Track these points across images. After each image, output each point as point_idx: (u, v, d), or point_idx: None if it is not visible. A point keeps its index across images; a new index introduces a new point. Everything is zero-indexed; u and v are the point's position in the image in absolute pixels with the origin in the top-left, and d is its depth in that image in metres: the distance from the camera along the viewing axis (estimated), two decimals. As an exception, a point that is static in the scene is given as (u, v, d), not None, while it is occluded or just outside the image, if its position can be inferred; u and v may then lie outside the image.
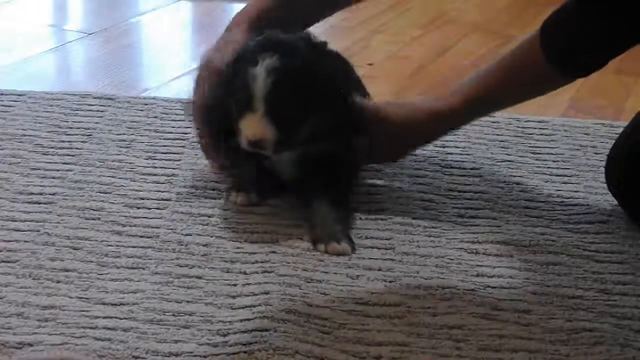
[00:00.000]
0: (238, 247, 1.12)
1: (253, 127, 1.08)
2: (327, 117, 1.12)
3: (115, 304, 0.99)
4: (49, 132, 1.43)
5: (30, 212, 1.18)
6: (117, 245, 1.11)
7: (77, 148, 1.37)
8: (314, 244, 1.12)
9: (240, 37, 1.21)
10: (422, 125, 1.22)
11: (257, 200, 1.21)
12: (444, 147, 1.42)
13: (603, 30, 1.11)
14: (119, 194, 1.24)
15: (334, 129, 1.13)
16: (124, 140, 1.40)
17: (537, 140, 1.47)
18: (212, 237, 1.14)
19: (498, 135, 1.48)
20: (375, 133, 1.20)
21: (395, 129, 1.21)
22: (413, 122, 1.22)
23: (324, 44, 1.17)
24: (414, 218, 1.21)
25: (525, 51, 1.17)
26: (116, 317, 0.97)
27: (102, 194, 1.23)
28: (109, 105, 1.53)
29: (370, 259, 1.10)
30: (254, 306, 0.99)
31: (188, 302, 1.00)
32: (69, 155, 1.35)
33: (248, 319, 0.97)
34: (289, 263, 1.08)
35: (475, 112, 1.24)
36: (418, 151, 1.40)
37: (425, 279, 1.07)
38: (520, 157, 1.41)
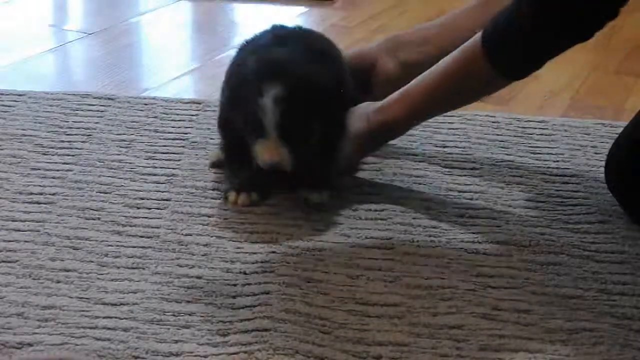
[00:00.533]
0: (238, 247, 1.12)
1: (269, 152, 1.13)
2: (331, 122, 1.17)
3: (115, 304, 0.99)
4: (49, 132, 1.43)
5: (30, 212, 1.18)
6: (117, 245, 1.11)
7: (77, 148, 1.37)
8: (295, 191, 1.20)
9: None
10: (371, 137, 1.25)
11: (258, 199, 1.22)
12: (444, 147, 1.42)
13: (538, 39, 1.12)
14: (119, 194, 1.24)
15: (337, 127, 1.20)
16: (124, 140, 1.40)
17: (537, 140, 1.47)
18: (212, 237, 1.14)
19: (498, 135, 1.48)
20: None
21: (354, 134, 1.24)
22: (363, 134, 1.24)
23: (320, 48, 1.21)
24: (414, 218, 1.21)
25: (469, 57, 1.17)
26: (116, 317, 0.97)
27: (102, 194, 1.23)
28: (109, 105, 1.53)
29: (370, 259, 1.10)
30: (254, 306, 0.99)
31: (188, 302, 1.00)
32: (69, 155, 1.35)
33: (248, 319, 0.97)
34: (289, 263, 1.08)
35: (416, 123, 1.28)
36: (418, 151, 1.40)
37: (425, 279, 1.07)
38: (520, 157, 1.41)
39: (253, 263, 1.08)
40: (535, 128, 1.51)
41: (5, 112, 1.49)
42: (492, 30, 1.14)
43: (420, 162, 1.37)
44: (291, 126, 1.12)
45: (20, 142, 1.39)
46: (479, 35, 1.15)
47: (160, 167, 1.32)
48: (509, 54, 1.14)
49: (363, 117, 1.24)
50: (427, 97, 1.20)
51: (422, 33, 1.37)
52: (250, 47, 1.23)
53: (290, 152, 1.13)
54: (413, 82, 1.22)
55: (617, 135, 1.29)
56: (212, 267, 1.07)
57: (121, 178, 1.28)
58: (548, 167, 1.37)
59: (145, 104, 1.54)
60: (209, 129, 1.44)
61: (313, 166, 1.19)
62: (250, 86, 1.12)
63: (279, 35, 1.22)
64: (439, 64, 1.20)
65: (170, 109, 1.52)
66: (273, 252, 1.11)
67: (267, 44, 1.21)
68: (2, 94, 1.55)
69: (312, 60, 1.16)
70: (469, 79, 1.17)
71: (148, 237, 1.13)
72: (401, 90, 1.23)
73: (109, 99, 1.56)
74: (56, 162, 1.32)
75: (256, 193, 1.22)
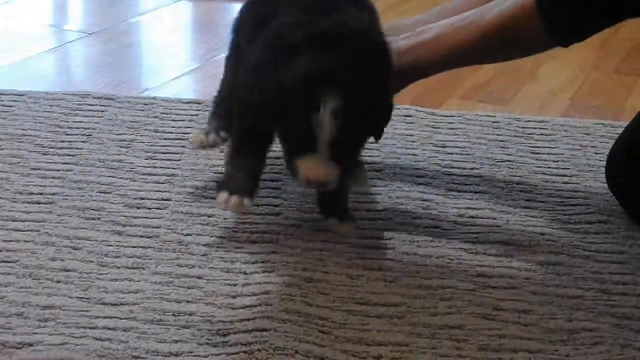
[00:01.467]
0: (238, 247, 1.12)
1: (316, 170, 1.01)
2: (377, 129, 1.07)
3: (115, 304, 0.99)
4: (49, 132, 1.43)
5: (30, 212, 1.18)
6: (117, 245, 1.11)
7: (77, 148, 1.37)
8: (325, 217, 1.13)
9: None
10: (399, 76, 1.17)
11: (250, 204, 1.09)
12: (444, 147, 1.42)
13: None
14: (119, 194, 1.24)
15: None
16: (124, 140, 1.40)
17: (537, 140, 1.47)
18: (212, 237, 1.14)
19: (498, 135, 1.48)
20: None
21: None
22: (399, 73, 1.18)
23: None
24: (414, 218, 1.21)
25: (519, 11, 1.14)
26: (116, 317, 0.97)
27: (102, 194, 1.23)
28: (109, 105, 1.53)
29: (370, 259, 1.10)
30: (254, 306, 0.99)
31: (188, 302, 1.00)
32: (69, 155, 1.35)
33: (248, 319, 0.97)
34: (289, 263, 1.08)
35: (448, 69, 1.25)
36: (418, 151, 1.40)
37: (425, 279, 1.07)
38: (520, 157, 1.41)
39: (253, 263, 1.08)
40: (535, 128, 1.51)
41: (5, 112, 1.49)
42: None
43: (420, 162, 1.37)
44: (346, 144, 1.00)
45: (20, 142, 1.39)
46: None
47: (160, 167, 1.32)
48: (566, 11, 1.11)
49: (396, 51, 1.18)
50: (467, 45, 1.17)
51: (421, 22, 1.36)
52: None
53: (339, 172, 1.01)
54: (447, 24, 1.19)
55: (617, 135, 1.29)
56: (212, 267, 1.07)
57: (121, 178, 1.28)
58: (548, 167, 1.37)
59: (145, 104, 1.54)
60: (209, 129, 1.44)
61: (343, 187, 1.11)
62: (299, 96, 0.98)
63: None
64: (481, 12, 1.17)
65: (170, 109, 1.52)
66: (273, 252, 1.11)
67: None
68: (2, 94, 1.55)
69: (369, 61, 1.03)
70: (517, 34, 1.15)
71: (148, 237, 1.13)
72: (434, 31, 1.19)
73: (109, 99, 1.56)
74: (56, 162, 1.32)
75: (249, 198, 1.09)
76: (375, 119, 1.04)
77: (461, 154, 1.40)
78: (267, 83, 1.02)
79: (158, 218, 1.18)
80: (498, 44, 1.17)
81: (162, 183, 1.28)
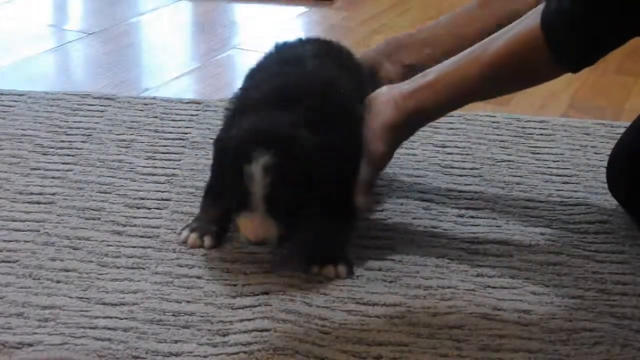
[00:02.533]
0: (238, 247, 1.12)
1: (254, 228, 1.01)
2: (329, 194, 1.04)
3: (115, 304, 0.99)
4: (49, 132, 1.43)
5: (30, 212, 1.18)
6: (117, 245, 1.11)
7: (77, 148, 1.37)
8: (308, 265, 1.07)
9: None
10: (404, 125, 1.15)
11: (211, 244, 1.11)
12: (444, 147, 1.42)
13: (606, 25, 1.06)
14: (119, 194, 1.24)
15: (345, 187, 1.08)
16: (124, 140, 1.40)
17: (537, 140, 1.47)
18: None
19: (498, 135, 1.48)
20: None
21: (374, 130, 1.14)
22: (395, 122, 1.14)
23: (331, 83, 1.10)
24: (414, 218, 1.21)
25: (525, 39, 1.09)
26: (116, 317, 0.97)
27: (102, 194, 1.23)
28: (109, 105, 1.53)
29: (370, 259, 1.10)
30: (254, 306, 0.99)
31: (188, 302, 1.00)
32: (69, 155, 1.35)
33: (248, 319, 0.97)
34: (289, 263, 1.08)
35: (455, 108, 1.18)
36: (418, 151, 1.40)
37: (425, 279, 1.07)
38: (520, 157, 1.41)
39: (253, 263, 1.08)
40: (535, 128, 1.50)
41: (5, 112, 1.49)
42: (553, 9, 1.05)
43: (420, 162, 1.37)
44: (280, 200, 1.00)
45: (20, 142, 1.39)
46: (536, 15, 1.07)
47: (160, 167, 1.32)
48: (574, 38, 1.05)
49: (390, 103, 1.14)
50: (472, 81, 1.11)
51: (423, 35, 1.33)
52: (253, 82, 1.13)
53: (278, 230, 1.01)
54: (449, 63, 1.14)
55: (617, 135, 1.29)
56: (212, 267, 1.07)
57: (121, 178, 1.28)
58: (548, 167, 1.37)
59: (145, 104, 1.54)
60: (209, 129, 1.44)
61: (321, 236, 1.08)
62: (240, 153, 1.00)
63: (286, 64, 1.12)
64: (484, 45, 1.12)
65: (170, 109, 1.52)
66: (273, 252, 1.11)
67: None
68: (2, 94, 1.55)
69: (317, 121, 1.03)
70: (524, 64, 1.09)
71: (148, 237, 1.13)
72: (435, 72, 1.14)
73: (109, 99, 1.56)
74: (56, 162, 1.32)
75: (211, 238, 1.10)
76: (320, 174, 1.02)
77: (461, 154, 1.40)
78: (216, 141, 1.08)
79: (158, 218, 1.18)
80: (504, 76, 1.11)
81: (162, 183, 1.28)
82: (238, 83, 1.20)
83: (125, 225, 1.16)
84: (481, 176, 1.33)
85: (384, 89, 1.17)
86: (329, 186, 1.03)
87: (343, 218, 1.09)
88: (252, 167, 0.99)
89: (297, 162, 1.00)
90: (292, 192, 1.01)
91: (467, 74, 1.11)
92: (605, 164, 1.27)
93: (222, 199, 1.11)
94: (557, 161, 1.40)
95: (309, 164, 1.01)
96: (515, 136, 1.48)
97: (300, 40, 1.23)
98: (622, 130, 1.29)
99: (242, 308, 0.99)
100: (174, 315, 0.98)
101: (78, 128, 1.44)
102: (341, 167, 1.05)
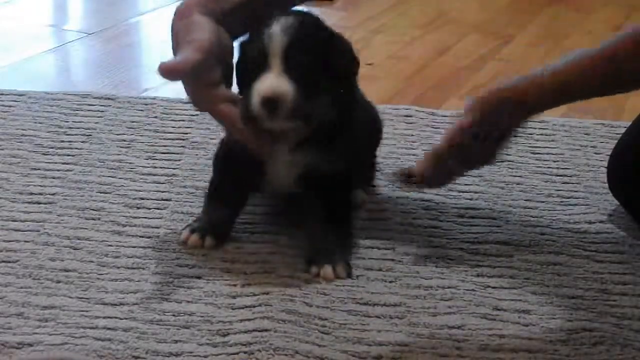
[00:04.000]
0: (238, 247, 1.12)
1: (269, 83, 0.98)
2: (344, 90, 1.04)
3: (115, 304, 0.99)
4: (49, 132, 1.43)
5: (30, 212, 1.18)
6: (117, 245, 1.11)
7: (77, 148, 1.37)
8: (308, 265, 1.07)
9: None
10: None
11: (212, 244, 1.10)
12: (444, 147, 1.42)
13: None
14: (119, 194, 1.24)
15: (345, 113, 1.06)
16: (124, 140, 1.40)
17: (537, 140, 1.47)
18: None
19: (498, 135, 1.47)
20: None
21: None
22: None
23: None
24: (414, 218, 1.21)
25: (630, 40, 1.09)
26: (116, 317, 0.97)
27: (102, 194, 1.23)
28: (109, 105, 1.53)
29: (370, 259, 1.10)
30: (254, 306, 0.99)
31: (188, 302, 1.00)
32: (69, 155, 1.35)
33: (248, 319, 0.97)
34: (289, 263, 1.08)
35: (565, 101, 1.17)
36: (418, 151, 1.40)
37: (425, 279, 1.07)
38: (520, 157, 1.41)
39: (253, 263, 1.08)
40: (535, 128, 1.50)
41: (5, 112, 1.49)
42: None
43: (420, 162, 1.37)
44: (299, 58, 0.99)
45: (20, 142, 1.39)
46: None
47: (160, 167, 1.32)
48: None
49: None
50: (580, 76, 1.10)
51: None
52: None
53: (295, 91, 0.98)
54: (560, 62, 1.12)
55: (617, 135, 1.29)
56: (212, 267, 1.07)
57: (121, 178, 1.28)
58: (548, 167, 1.37)
59: (145, 104, 1.54)
60: (208, 129, 1.44)
61: (320, 193, 1.08)
62: (260, 30, 1.01)
63: None
64: (592, 49, 1.10)
65: (170, 109, 1.52)
66: (273, 252, 1.11)
67: None
68: (2, 94, 1.55)
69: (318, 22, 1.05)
70: (627, 64, 1.08)
71: (148, 237, 1.13)
72: (546, 70, 1.12)
73: (109, 99, 1.56)
74: (56, 162, 1.32)
75: (212, 238, 1.10)
76: (335, 56, 1.02)
77: (461, 154, 1.40)
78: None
79: (158, 218, 1.18)
80: (610, 73, 1.09)
81: (162, 183, 1.28)
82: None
83: (125, 225, 1.16)
84: (481, 176, 1.33)
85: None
86: (344, 77, 1.04)
87: (342, 219, 1.09)
88: (272, 28, 1.00)
89: (315, 26, 1.03)
90: (309, 53, 1.00)
91: (576, 71, 1.10)
92: (605, 164, 1.27)
93: (224, 199, 1.12)
94: (557, 161, 1.40)
95: (327, 32, 1.04)
96: (515, 136, 1.47)
97: None
98: (622, 130, 1.29)
99: (242, 308, 0.99)
100: (174, 315, 0.98)
101: (78, 128, 1.44)
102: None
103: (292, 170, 1.07)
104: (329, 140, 1.06)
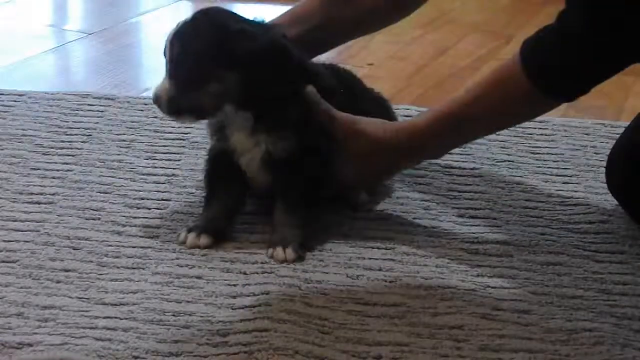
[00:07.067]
0: (238, 247, 1.12)
1: (155, 87, 1.10)
2: (239, 79, 1.08)
3: (115, 304, 0.99)
4: (49, 132, 1.43)
5: (30, 212, 1.18)
6: (117, 245, 1.11)
7: (77, 148, 1.37)
8: (267, 249, 1.11)
9: None
10: (398, 143, 1.14)
11: (207, 243, 1.11)
12: (444, 147, 1.42)
13: (584, 59, 1.04)
14: (119, 194, 1.24)
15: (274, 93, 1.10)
16: (124, 140, 1.40)
17: (537, 140, 1.47)
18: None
19: (498, 135, 1.47)
20: (348, 149, 1.14)
21: (371, 146, 1.14)
22: (391, 138, 1.14)
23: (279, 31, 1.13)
24: (414, 218, 1.21)
25: (505, 69, 1.10)
26: (116, 317, 0.97)
27: (102, 194, 1.23)
28: (109, 105, 1.53)
29: (370, 259, 1.10)
30: (254, 306, 0.99)
31: (188, 302, 1.00)
32: (69, 155, 1.35)
33: (248, 319, 0.97)
34: (289, 263, 1.08)
35: (455, 131, 1.13)
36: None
37: (425, 279, 1.07)
38: (520, 157, 1.41)
39: (253, 263, 1.08)
40: (535, 128, 1.50)
41: (5, 112, 1.49)
42: (532, 42, 1.06)
43: (420, 162, 1.37)
44: (178, 61, 1.08)
45: (20, 142, 1.39)
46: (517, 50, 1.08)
47: (160, 167, 1.32)
48: (551, 67, 1.05)
49: (386, 127, 1.15)
50: (458, 106, 1.11)
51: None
52: None
53: (172, 91, 1.08)
54: (443, 104, 1.14)
55: (617, 135, 1.29)
56: (212, 267, 1.07)
57: (121, 178, 1.28)
58: (548, 167, 1.37)
59: (145, 104, 1.54)
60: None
61: (282, 180, 1.13)
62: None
63: None
64: (475, 84, 1.13)
65: (170, 109, 1.52)
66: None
67: None
68: (2, 94, 1.55)
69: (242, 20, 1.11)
70: (507, 97, 1.09)
71: (148, 237, 1.13)
72: (429, 112, 1.15)
73: (109, 99, 1.56)
74: (56, 162, 1.32)
75: (209, 236, 1.12)
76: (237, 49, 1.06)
77: (461, 154, 1.40)
78: None
79: (158, 218, 1.18)
80: (483, 111, 1.10)
81: (162, 183, 1.28)
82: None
83: (125, 225, 1.16)
84: (481, 176, 1.33)
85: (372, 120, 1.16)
86: (231, 73, 1.08)
87: (296, 203, 1.12)
88: (169, 34, 1.09)
89: (209, 25, 1.08)
90: (191, 54, 1.07)
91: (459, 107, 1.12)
92: (605, 164, 1.27)
93: (218, 198, 1.14)
94: (557, 161, 1.40)
95: (222, 28, 1.08)
96: (515, 136, 1.48)
97: None
98: (622, 130, 1.29)
99: (242, 308, 0.99)
100: (174, 315, 0.98)
101: (78, 128, 1.44)
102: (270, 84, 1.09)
103: (254, 157, 1.12)
104: (281, 126, 1.11)
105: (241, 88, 1.08)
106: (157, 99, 1.10)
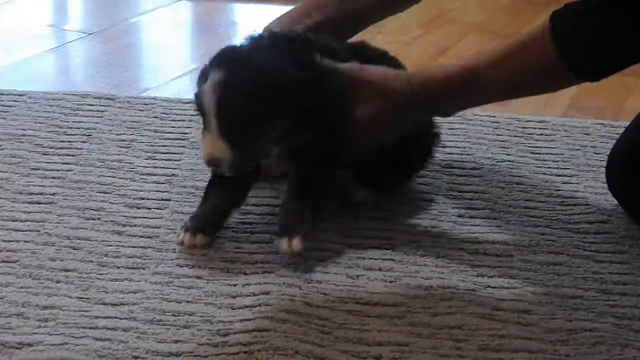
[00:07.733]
0: (238, 247, 1.12)
1: (208, 147, 1.03)
2: (290, 120, 1.05)
3: (115, 304, 0.99)
4: (49, 132, 1.43)
5: (30, 212, 1.18)
6: (117, 245, 1.11)
7: (77, 148, 1.37)
8: (273, 238, 1.09)
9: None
10: (410, 92, 1.08)
11: (203, 242, 1.11)
12: (444, 147, 1.42)
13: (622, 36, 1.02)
14: (119, 194, 1.24)
15: (305, 124, 1.06)
16: (124, 140, 1.40)
17: (537, 140, 1.47)
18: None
19: (498, 135, 1.48)
20: (358, 99, 1.09)
21: (379, 92, 1.09)
22: (402, 87, 1.08)
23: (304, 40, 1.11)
24: (414, 218, 1.21)
25: (535, 37, 1.05)
26: (116, 317, 0.97)
27: (102, 194, 1.23)
28: (109, 105, 1.53)
29: (370, 259, 1.10)
30: (254, 306, 0.99)
31: (188, 302, 1.00)
32: (69, 155, 1.35)
33: (248, 319, 0.97)
34: (289, 263, 1.08)
35: (470, 88, 1.08)
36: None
37: (425, 279, 1.07)
38: (520, 157, 1.41)
39: (253, 263, 1.08)
40: (535, 128, 1.50)
41: (5, 112, 1.49)
42: (562, 13, 1.02)
43: (420, 162, 1.37)
44: (229, 119, 1.01)
45: (20, 142, 1.39)
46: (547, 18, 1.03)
47: (160, 167, 1.32)
48: (583, 45, 1.02)
49: (401, 77, 1.10)
50: (484, 64, 1.06)
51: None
52: None
53: (232, 153, 1.02)
54: (463, 59, 1.10)
55: (617, 135, 1.29)
56: (212, 267, 1.07)
57: (121, 178, 1.28)
58: (548, 167, 1.37)
59: (145, 104, 1.54)
60: (209, 129, 1.44)
61: (285, 210, 1.09)
62: (202, 77, 1.04)
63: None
64: (498, 45, 1.08)
65: (170, 109, 1.52)
66: (273, 252, 1.11)
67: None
68: (2, 94, 1.55)
69: (270, 52, 1.05)
70: (533, 67, 1.05)
71: (148, 237, 1.13)
72: (446, 65, 1.10)
73: (109, 99, 1.56)
74: (56, 162, 1.32)
75: (203, 235, 1.11)
76: (279, 104, 1.02)
77: (461, 154, 1.40)
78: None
79: (158, 218, 1.18)
80: (503, 75, 1.07)
81: (162, 183, 1.28)
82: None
83: (125, 225, 1.16)
84: (481, 176, 1.33)
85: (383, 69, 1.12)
86: (284, 117, 1.04)
87: (306, 194, 1.10)
88: (205, 85, 1.01)
89: (246, 79, 1.01)
90: (240, 112, 1.01)
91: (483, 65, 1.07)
92: (605, 164, 1.27)
93: (214, 195, 1.13)
94: (557, 161, 1.40)
95: (258, 79, 1.01)
96: (515, 136, 1.48)
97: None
98: (622, 130, 1.29)
99: (242, 308, 0.99)
100: (174, 315, 0.98)
101: (78, 128, 1.44)
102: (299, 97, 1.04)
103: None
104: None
105: (293, 128, 1.05)
106: (215, 162, 1.03)
